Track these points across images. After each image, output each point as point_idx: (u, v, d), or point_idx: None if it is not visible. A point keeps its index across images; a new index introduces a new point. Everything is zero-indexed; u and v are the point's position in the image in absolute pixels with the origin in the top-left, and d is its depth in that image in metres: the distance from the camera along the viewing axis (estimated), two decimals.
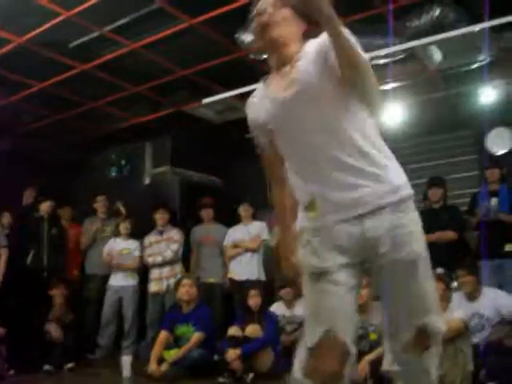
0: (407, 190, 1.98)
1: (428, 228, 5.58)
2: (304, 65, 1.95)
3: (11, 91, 6.53)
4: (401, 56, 5.68)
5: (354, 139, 1.91)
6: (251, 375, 4.86)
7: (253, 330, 5.17)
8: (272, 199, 2.26)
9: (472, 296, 4.57)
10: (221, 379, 4.99)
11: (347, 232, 1.90)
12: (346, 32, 1.78)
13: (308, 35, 2.04)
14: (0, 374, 5.57)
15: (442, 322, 1.98)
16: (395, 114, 6.76)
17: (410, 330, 1.93)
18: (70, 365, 5.94)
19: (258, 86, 2.21)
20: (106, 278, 6.78)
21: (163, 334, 5.48)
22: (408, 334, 1.93)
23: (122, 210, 7.22)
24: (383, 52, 5.43)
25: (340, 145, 1.90)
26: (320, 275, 1.91)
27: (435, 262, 4.93)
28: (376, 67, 5.89)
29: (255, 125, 2.19)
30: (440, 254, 5.32)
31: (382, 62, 5.78)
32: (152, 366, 5.21)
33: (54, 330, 6.05)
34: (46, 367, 5.81)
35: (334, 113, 1.92)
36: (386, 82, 6.32)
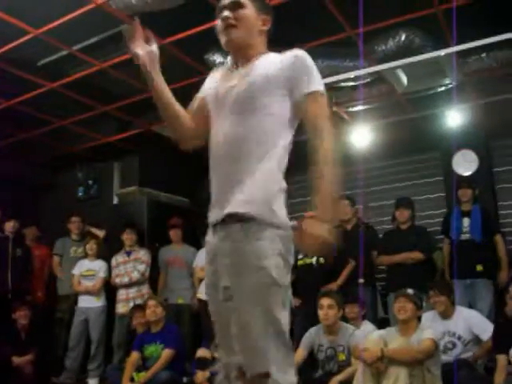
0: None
1: (396, 248, 5.68)
2: (257, 74, 2.05)
3: None
4: (369, 79, 5.79)
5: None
6: None
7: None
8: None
9: (445, 315, 4.60)
10: None
11: None
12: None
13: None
14: None
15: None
16: (363, 136, 6.86)
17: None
18: None
19: (219, 70, 2.31)
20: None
21: (134, 355, 5.37)
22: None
23: (97, 232, 7.13)
24: (352, 75, 5.53)
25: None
26: None
27: (404, 282, 5.03)
28: (345, 90, 6.01)
29: (200, 94, 2.29)
30: (408, 275, 5.42)
31: (350, 84, 5.89)
32: None
33: (16, 354, 5.90)
34: None
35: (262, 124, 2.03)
36: (354, 105, 6.43)
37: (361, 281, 5.67)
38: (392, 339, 4.11)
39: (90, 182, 8.29)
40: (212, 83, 2.26)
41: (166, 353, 5.36)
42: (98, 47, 5.21)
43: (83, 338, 6.50)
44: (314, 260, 5.84)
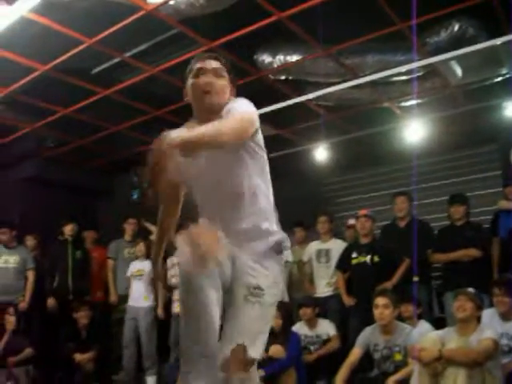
0: None
1: (451, 246, 5.53)
2: None
3: (36, 118, 6.66)
4: (421, 72, 5.68)
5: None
6: None
7: (276, 350, 5.12)
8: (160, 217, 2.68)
9: (506, 316, 4.44)
10: None
11: None
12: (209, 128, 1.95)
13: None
14: None
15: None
16: (416, 131, 6.72)
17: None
18: None
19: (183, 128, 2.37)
20: None
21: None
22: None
23: (151, 228, 7.23)
24: (404, 68, 5.43)
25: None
26: None
27: (460, 280, 4.89)
28: (397, 84, 5.92)
29: None
30: (465, 272, 5.29)
31: (403, 78, 5.79)
32: None
33: (78, 352, 6.10)
34: None
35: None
36: (407, 99, 6.33)
37: (415, 279, 5.57)
38: (450, 339, 4.02)
39: (145, 184, 8.43)
40: None
41: None
42: (148, 53, 5.31)
43: (135, 337, 6.61)
44: (368, 258, 5.78)
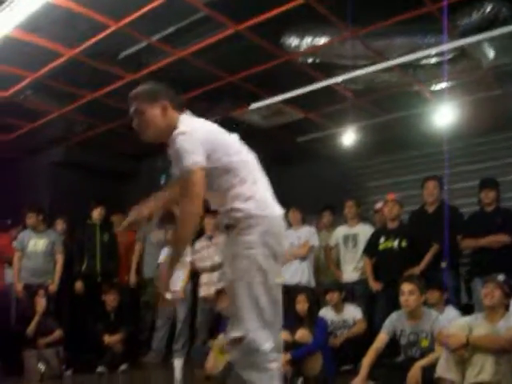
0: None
1: (481, 231, 5.45)
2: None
3: (64, 102, 6.72)
4: (452, 54, 5.56)
5: None
6: (300, 379, 4.82)
7: (302, 334, 5.12)
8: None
9: None
10: None
11: None
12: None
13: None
14: (58, 373, 5.77)
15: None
16: (446, 114, 6.61)
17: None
18: (123, 367, 6.07)
19: None
20: None
21: (221, 338, 5.48)
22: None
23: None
24: (434, 51, 5.32)
25: None
26: None
27: (489, 266, 4.82)
28: (426, 67, 5.81)
29: None
30: (494, 259, 5.20)
31: (433, 61, 5.68)
32: (207, 370, 5.22)
33: (107, 334, 6.19)
34: (100, 369, 5.96)
35: None
36: (437, 82, 6.21)
37: (443, 265, 5.51)
38: (478, 326, 3.96)
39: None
40: None
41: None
42: (175, 36, 5.29)
43: (169, 320, 6.72)
44: (395, 243, 5.73)
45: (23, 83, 6.06)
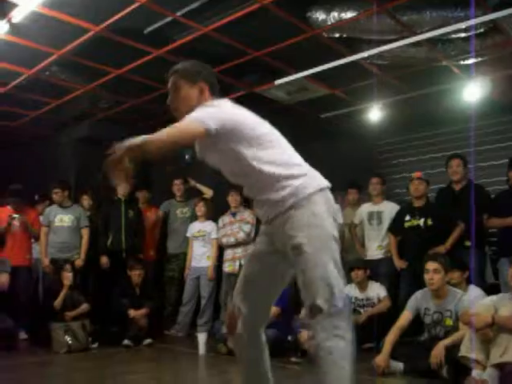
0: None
1: (509, 211, 5.37)
2: None
3: (89, 79, 6.74)
4: (483, 29, 5.42)
5: None
6: None
7: None
8: None
9: None
10: (293, 359, 5.03)
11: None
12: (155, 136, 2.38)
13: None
14: (85, 345, 5.90)
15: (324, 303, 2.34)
16: (475, 91, 6.48)
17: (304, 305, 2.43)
18: (147, 340, 6.16)
19: None
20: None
21: None
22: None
23: (204, 189, 7.30)
24: (463, 25, 5.19)
25: None
26: None
27: None
28: (455, 42, 5.68)
29: None
30: None
31: (463, 35, 5.55)
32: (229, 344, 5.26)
33: (132, 308, 6.28)
34: (125, 342, 6.06)
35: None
36: (466, 57, 6.07)
37: (468, 244, 5.45)
38: (503, 306, 3.93)
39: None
40: None
41: (273, 310, 5.47)
42: (200, 12, 5.24)
43: (195, 295, 6.85)
44: (421, 222, 5.68)
45: (49, 60, 6.09)
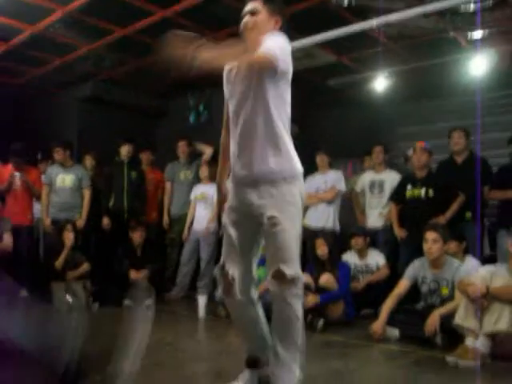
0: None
1: (509, 184, 5.40)
2: None
3: (94, 38, 6.68)
4: (491, 1, 5.37)
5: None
6: (321, 322, 4.92)
7: (327, 279, 5.18)
8: (222, 140, 3.09)
9: None
10: None
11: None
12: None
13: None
14: (85, 305, 5.95)
15: (293, 270, 2.65)
16: (483, 63, 6.45)
17: (271, 270, 2.69)
18: (148, 301, 6.22)
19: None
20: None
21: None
22: (270, 272, 2.70)
23: (204, 148, 7.23)
24: None
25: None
26: None
27: None
28: (464, 14, 5.63)
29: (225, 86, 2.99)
30: None
31: (472, 7, 5.49)
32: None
33: (133, 269, 6.35)
34: (126, 302, 6.14)
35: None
36: (475, 30, 6.03)
37: (468, 215, 5.50)
38: (499, 276, 4.00)
39: (201, 107, 8.49)
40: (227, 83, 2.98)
41: None
42: None
43: (194, 256, 6.86)
44: (422, 192, 5.71)
45: (53, 17, 6.02)
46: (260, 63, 2.56)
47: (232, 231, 2.86)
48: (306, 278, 5.28)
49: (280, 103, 2.72)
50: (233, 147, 2.83)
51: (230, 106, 2.88)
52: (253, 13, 2.79)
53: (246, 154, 2.75)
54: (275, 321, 2.74)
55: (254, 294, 2.96)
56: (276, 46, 2.58)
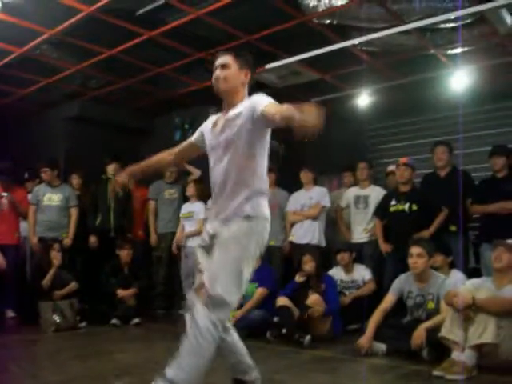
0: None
1: (491, 198, 5.50)
2: (234, 119, 2.87)
3: (81, 58, 6.73)
4: (470, 20, 5.51)
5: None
6: (308, 338, 4.95)
7: (315, 299, 5.18)
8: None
9: None
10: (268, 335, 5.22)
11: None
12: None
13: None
14: (73, 324, 5.96)
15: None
16: (462, 79, 6.60)
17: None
18: (135, 320, 6.24)
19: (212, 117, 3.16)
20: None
21: None
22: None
23: (193, 170, 7.26)
24: (452, 16, 5.28)
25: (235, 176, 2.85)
26: None
27: (498, 232, 4.87)
28: (444, 31, 5.76)
29: (198, 135, 3.25)
30: (503, 225, 5.26)
31: (451, 25, 5.63)
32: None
33: (120, 288, 6.35)
34: (113, 321, 6.14)
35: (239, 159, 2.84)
36: (454, 47, 6.16)
37: (452, 229, 5.59)
38: (484, 288, 4.08)
39: (187, 126, 8.54)
40: (206, 131, 3.13)
41: (260, 291, 5.59)
42: None
43: (192, 270, 6.83)
44: (406, 207, 5.79)
45: (40, 39, 6.07)
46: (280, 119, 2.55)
47: (204, 257, 2.97)
48: (282, 300, 5.31)
49: (261, 147, 2.89)
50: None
51: (210, 157, 3.04)
52: (224, 66, 2.92)
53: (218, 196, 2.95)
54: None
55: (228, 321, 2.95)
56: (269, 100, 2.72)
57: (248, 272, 2.79)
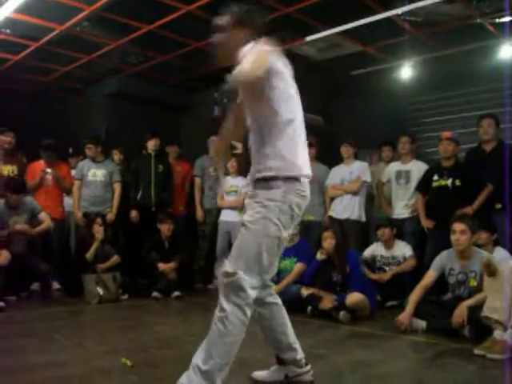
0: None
1: None
2: None
3: (120, 34, 6.76)
4: None
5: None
6: (342, 313, 4.91)
7: (357, 299, 4.99)
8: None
9: None
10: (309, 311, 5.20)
11: None
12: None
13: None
14: (115, 296, 6.10)
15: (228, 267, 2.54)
16: (509, 49, 6.38)
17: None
18: (176, 293, 6.32)
19: None
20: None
21: None
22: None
23: (235, 143, 7.26)
24: None
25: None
26: None
27: None
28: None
29: None
30: None
31: None
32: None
33: (161, 262, 6.43)
34: (154, 294, 6.24)
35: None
36: (502, 15, 5.94)
37: (498, 206, 5.42)
38: None
39: (225, 100, 8.49)
40: None
41: (299, 266, 5.60)
42: None
43: (228, 249, 6.90)
44: (449, 182, 5.65)
45: (80, 16, 6.11)
46: (238, 82, 2.55)
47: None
48: (305, 290, 5.27)
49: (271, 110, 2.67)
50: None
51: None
52: (217, 30, 2.79)
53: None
54: None
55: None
56: (245, 62, 2.52)
57: (273, 245, 2.56)
